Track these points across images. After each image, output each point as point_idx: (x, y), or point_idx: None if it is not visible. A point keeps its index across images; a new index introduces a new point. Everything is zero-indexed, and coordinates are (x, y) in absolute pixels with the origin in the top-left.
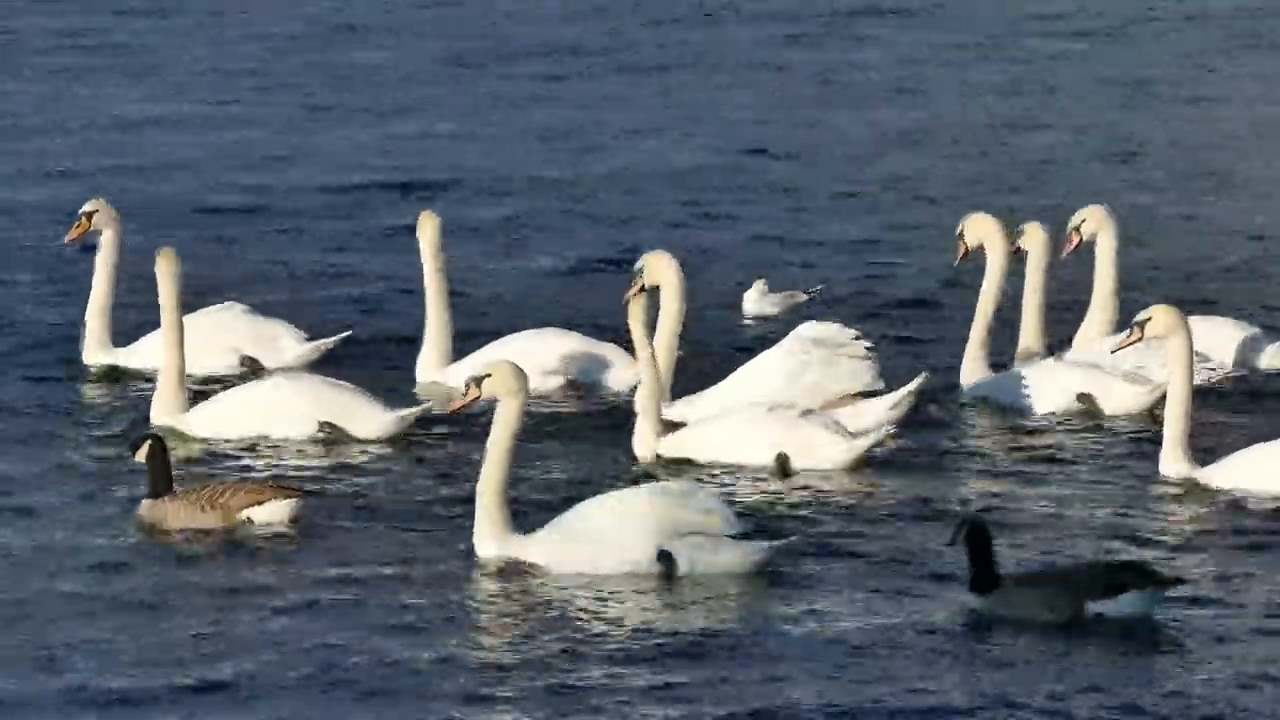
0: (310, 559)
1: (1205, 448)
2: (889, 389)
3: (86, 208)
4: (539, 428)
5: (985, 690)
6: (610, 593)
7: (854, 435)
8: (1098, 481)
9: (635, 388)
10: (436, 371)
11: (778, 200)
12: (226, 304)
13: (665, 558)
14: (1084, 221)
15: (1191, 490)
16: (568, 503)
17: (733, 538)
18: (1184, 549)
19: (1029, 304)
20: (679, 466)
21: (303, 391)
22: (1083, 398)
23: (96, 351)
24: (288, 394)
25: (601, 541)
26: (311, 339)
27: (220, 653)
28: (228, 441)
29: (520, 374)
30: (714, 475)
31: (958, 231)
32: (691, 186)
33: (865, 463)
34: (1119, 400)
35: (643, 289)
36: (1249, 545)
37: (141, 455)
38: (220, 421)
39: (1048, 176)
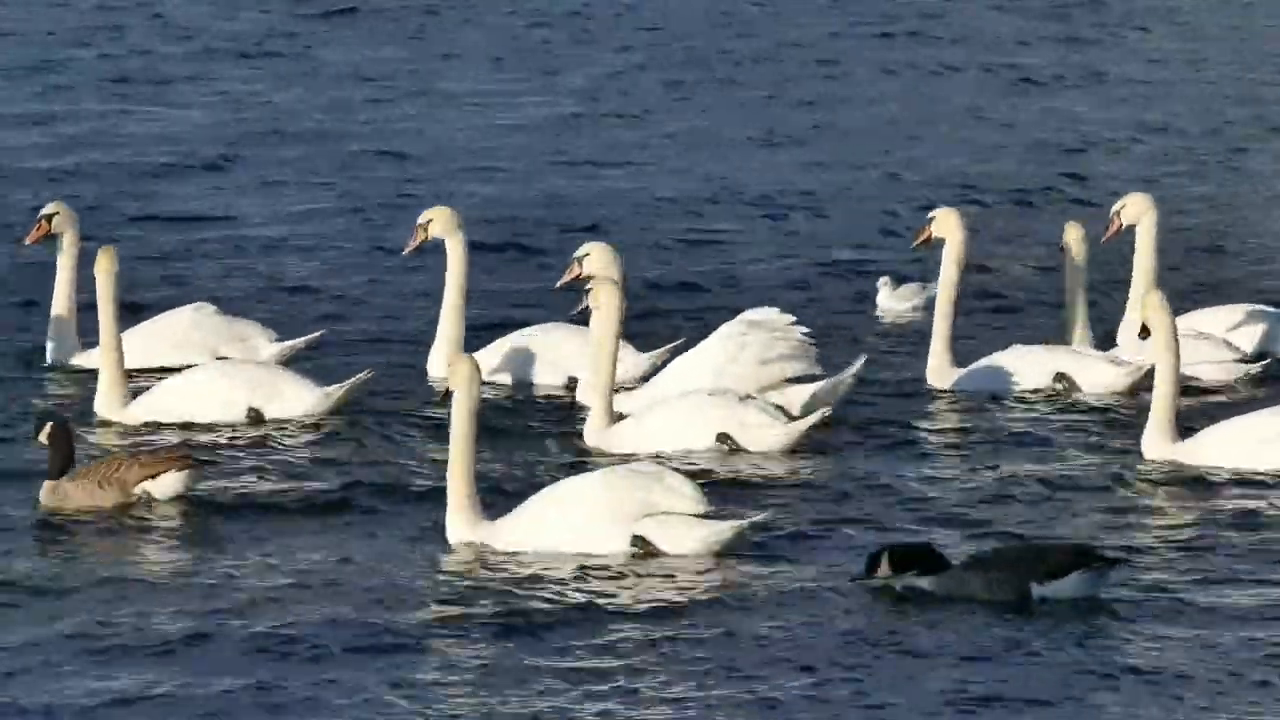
0: (258, 545)
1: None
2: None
3: (46, 210)
4: (506, 417)
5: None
6: (582, 573)
7: (792, 419)
8: (1079, 461)
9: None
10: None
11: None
12: (198, 304)
13: (639, 540)
14: (1125, 207)
15: (1172, 470)
16: (532, 488)
17: (702, 517)
18: (1153, 527)
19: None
20: (627, 456)
21: (231, 375)
22: (1060, 378)
23: (61, 352)
24: (216, 379)
25: (573, 524)
26: (283, 339)
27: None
28: (165, 428)
29: (474, 363)
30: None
31: (929, 217)
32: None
33: (806, 445)
34: (1099, 380)
35: (578, 277)
36: (1215, 521)
37: (43, 436)
38: (156, 411)
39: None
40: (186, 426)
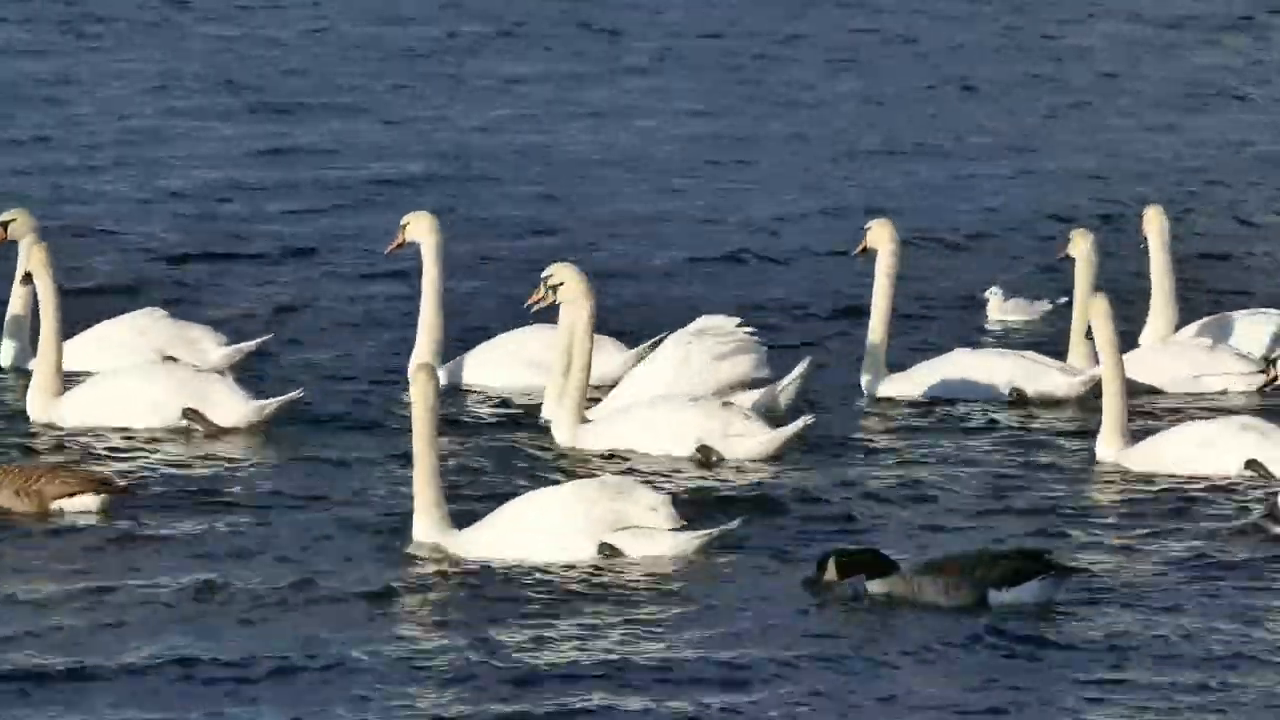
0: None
1: None
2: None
3: (4, 217)
4: (486, 421)
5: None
6: (549, 582)
7: (773, 426)
8: (1033, 466)
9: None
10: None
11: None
12: (147, 309)
13: (609, 549)
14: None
15: (1123, 473)
16: (500, 495)
17: (672, 531)
18: (1104, 531)
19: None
20: (599, 456)
21: (165, 379)
22: (1014, 391)
23: (20, 356)
24: (150, 382)
25: (543, 535)
26: (231, 342)
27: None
28: (96, 430)
29: (432, 371)
30: (635, 465)
31: (865, 227)
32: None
33: (786, 452)
34: (1051, 389)
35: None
36: (1162, 525)
37: None
38: (88, 411)
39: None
40: (118, 430)
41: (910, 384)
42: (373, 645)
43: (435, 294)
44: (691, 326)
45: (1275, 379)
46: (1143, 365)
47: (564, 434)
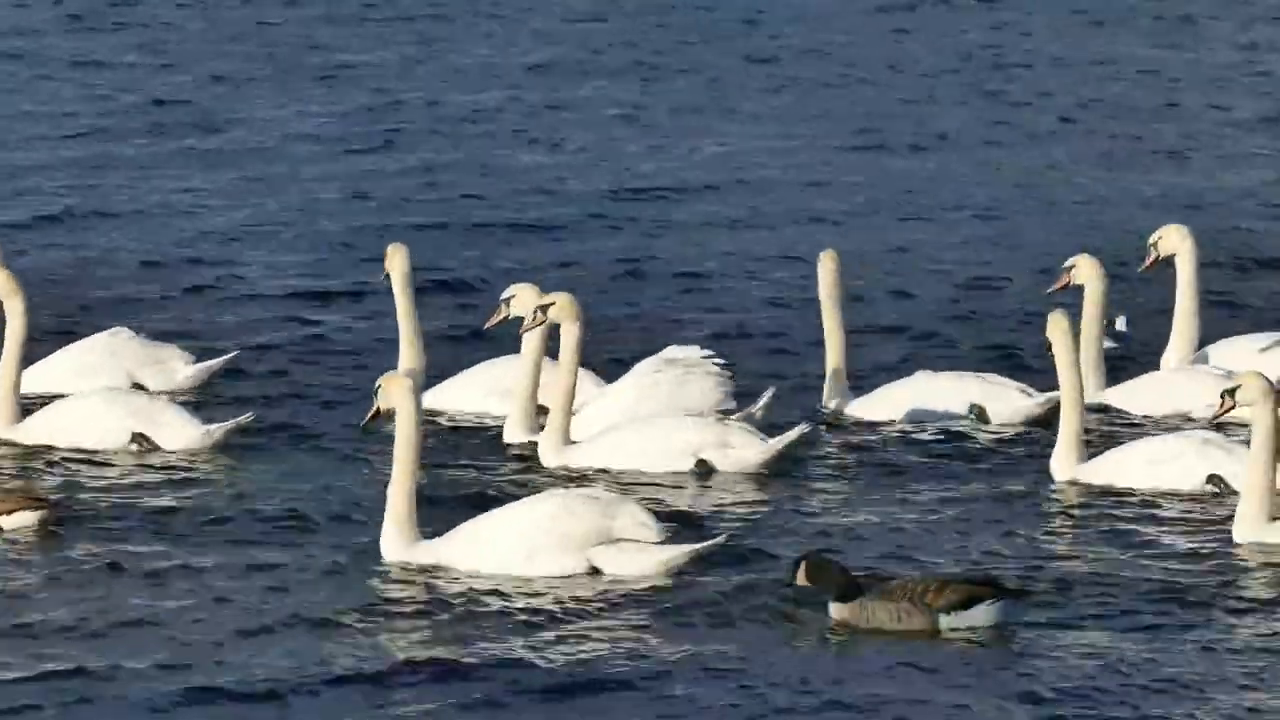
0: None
1: None
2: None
3: None
4: (467, 445)
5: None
6: (530, 594)
7: (768, 438)
8: (994, 485)
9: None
10: None
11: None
12: (115, 329)
13: (594, 567)
14: (1161, 239)
15: (1077, 491)
16: (474, 508)
17: (657, 544)
18: (1059, 549)
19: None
20: (586, 475)
21: (115, 403)
22: (974, 408)
23: None
24: (100, 406)
25: (525, 547)
26: (199, 360)
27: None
28: (53, 451)
29: (410, 385)
30: (626, 481)
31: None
32: None
33: (779, 464)
34: (1011, 410)
35: (506, 319)
36: (1116, 542)
37: None
38: (42, 432)
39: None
40: (73, 452)
41: (873, 406)
42: (344, 660)
43: (407, 321)
44: (659, 357)
45: (1229, 409)
46: (1164, 387)
47: (550, 455)
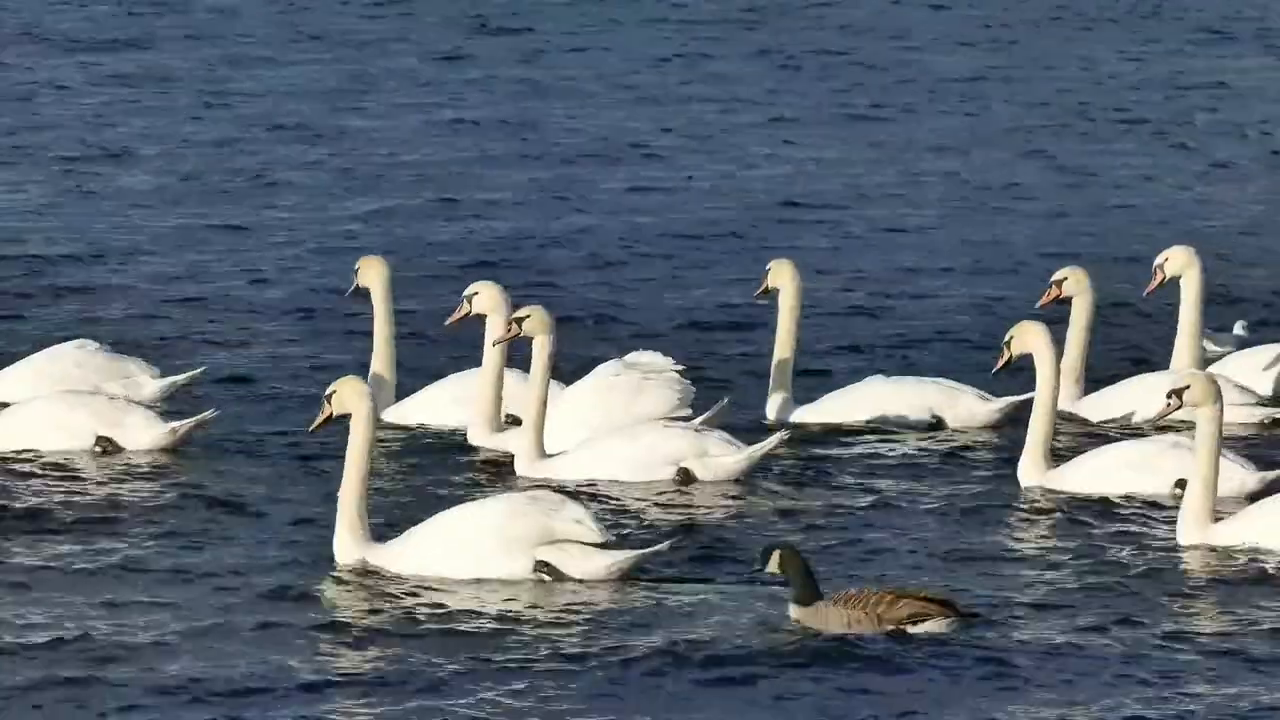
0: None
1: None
2: None
3: None
4: (435, 456)
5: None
6: (479, 596)
7: (747, 445)
8: (957, 492)
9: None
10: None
11: None
12: (80, 340)
13: (546, 567)
14: (1167, 260)
15: (1045, 497)
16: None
17: (601, 546)
18: (1023, 555)
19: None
20: (563, 484)
21: (78, 406)
22: (932, 418)
23: None
24: (63, 408)
25: (472, 549)
26: (165, 375)
27: None
28: (17, 454)
29: (364, 387)
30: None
31: (766, 267)
32: None
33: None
34: (968, 416)
35: (467, 316)
36: (1077, 547)
37: None
38: (6, 436)
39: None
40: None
41: (822, 412)
42: (292, 662)
43: (384, 334)
44: (618, 361)
45: (1175, 409)
46: (1137, 396)
47: (525, 465)
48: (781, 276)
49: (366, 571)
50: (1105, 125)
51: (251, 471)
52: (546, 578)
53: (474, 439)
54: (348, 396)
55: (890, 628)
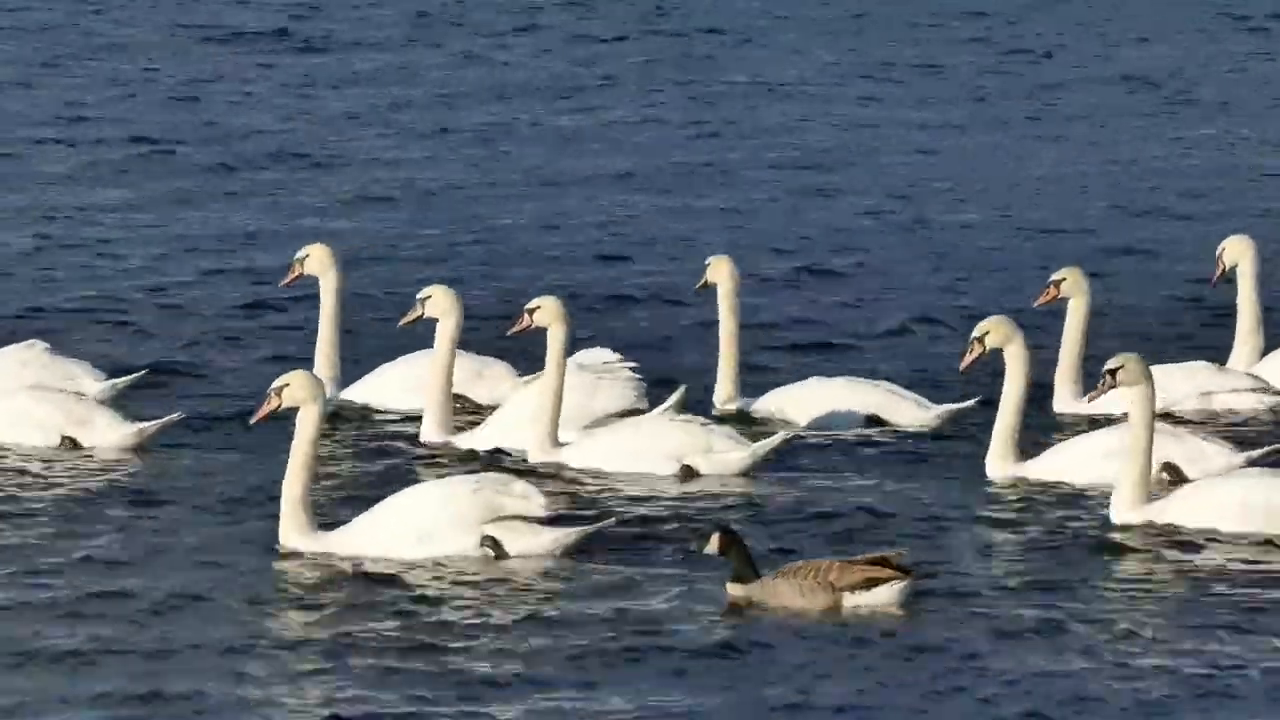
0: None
1: None
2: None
3: None
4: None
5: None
6: (427, 576)
7: (751, 441)
8: (927, 479)
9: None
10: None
11: None
12: (29, 342)
13: (491, 541)
14: (1225, 251)
15: (1013, 487)
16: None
17: (547, 522)
18: (992, 544)
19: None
20: (579, 475)
21: (44, 403)
22: (871, 419)
23: None
24: (30, 405)
25: (419, 529)
26: (110, 377)
27: None
28: None
29: (316, 382)
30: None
31: (706, 262)
32: None
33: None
34: (906, 419)
35: (419, 317)
36: (1042, 535)
37: None
38: None
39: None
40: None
41: (761, 408)
42: (235, 644)
43: (330, 323)
44: (574, 358)
45: (1109, 388)
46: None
47: (538, 454)
48: (720, 272)
49: (313, 556)
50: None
51: (199, 458)
52: (492, 554)
53: (426, 437)
54: (299, 390)
55: (846, 593)
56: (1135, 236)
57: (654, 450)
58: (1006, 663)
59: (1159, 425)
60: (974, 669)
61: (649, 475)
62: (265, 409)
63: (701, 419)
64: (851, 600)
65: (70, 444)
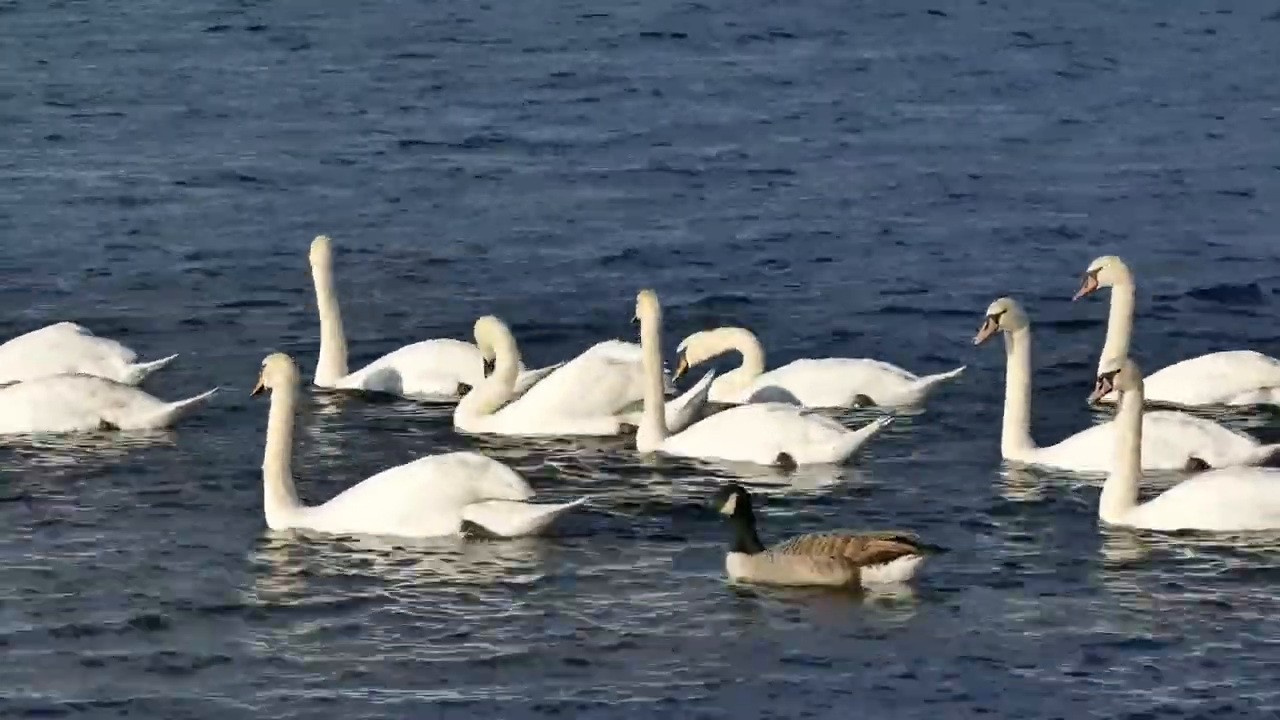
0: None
1: None
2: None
3: None
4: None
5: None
6: (407, 556)
7: (849, 430)
8: (938, 463)
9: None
10: (333, 379)
11: None
12: (62, 324)
13: (470, 524)
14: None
15: (1026, 471)
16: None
17: (525, 503)
18: (1006, 525)
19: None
20: (683, 464)
21: (78, 388)
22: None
23: None
24: (63, 390)
25: (399, 509)
26: (139, 360)
27: None
28: (16, 436)
29: (289, 364)
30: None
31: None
32: None
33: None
34: (894, 396)
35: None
36: (1062, 519)
37: None
38: (3, 419)
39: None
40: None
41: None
42: (218, 608)
43: (329, 307)
44: (597, 351)
45: (1107, 391)
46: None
47: (648, 442)
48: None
49: (295, 534)
50: None
51: (191, 440)
52: (472, 535)
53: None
54: (273, 371)
55: (864, 568)
56: (1162, 231)
57: (754, 440)
58: (1006, 660)
59: (1185, 417)
60: (975, 665)
61: (749, 464)
62: (257, 385)
63: (800, 409)
64: (869, 575)
65: (107, 426)
